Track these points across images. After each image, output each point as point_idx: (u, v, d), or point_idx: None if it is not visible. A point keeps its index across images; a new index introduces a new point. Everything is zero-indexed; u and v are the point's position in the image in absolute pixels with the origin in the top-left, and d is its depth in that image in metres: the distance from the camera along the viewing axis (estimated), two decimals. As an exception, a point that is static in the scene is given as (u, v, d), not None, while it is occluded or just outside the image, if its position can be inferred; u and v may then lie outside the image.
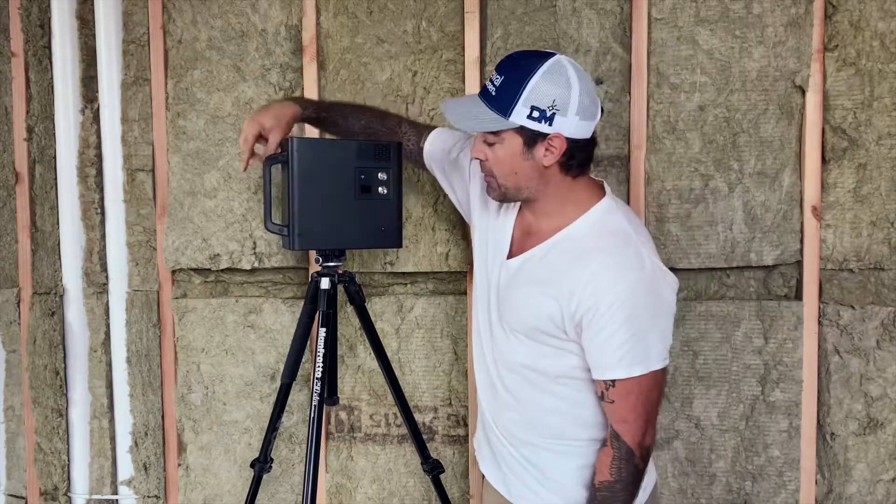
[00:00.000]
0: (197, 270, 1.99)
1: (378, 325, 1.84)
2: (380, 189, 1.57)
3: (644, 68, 1.71)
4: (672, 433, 1.77)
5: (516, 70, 1.19)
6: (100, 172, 2.01)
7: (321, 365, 1.54)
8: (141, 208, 2.00)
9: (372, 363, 1.87)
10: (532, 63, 1.18)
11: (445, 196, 1.83)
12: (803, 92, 1.67)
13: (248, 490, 1.68)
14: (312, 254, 1.86)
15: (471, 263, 1.60)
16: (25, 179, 2.06)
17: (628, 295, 1.15)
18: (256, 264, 1.92)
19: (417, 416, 1.84)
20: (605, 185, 1.31)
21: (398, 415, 1.84)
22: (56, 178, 2.04)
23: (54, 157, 2.04)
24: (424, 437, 1.77)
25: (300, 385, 1.90)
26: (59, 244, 2.05)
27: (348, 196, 1.54)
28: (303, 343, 1.63)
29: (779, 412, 1.71)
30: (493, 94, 1.20)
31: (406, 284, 1.90)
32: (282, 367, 1.69)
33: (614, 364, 1.17)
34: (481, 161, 1.27)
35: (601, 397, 1.22)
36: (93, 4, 1.95)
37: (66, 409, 2.08)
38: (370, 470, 1.92)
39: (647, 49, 1.72)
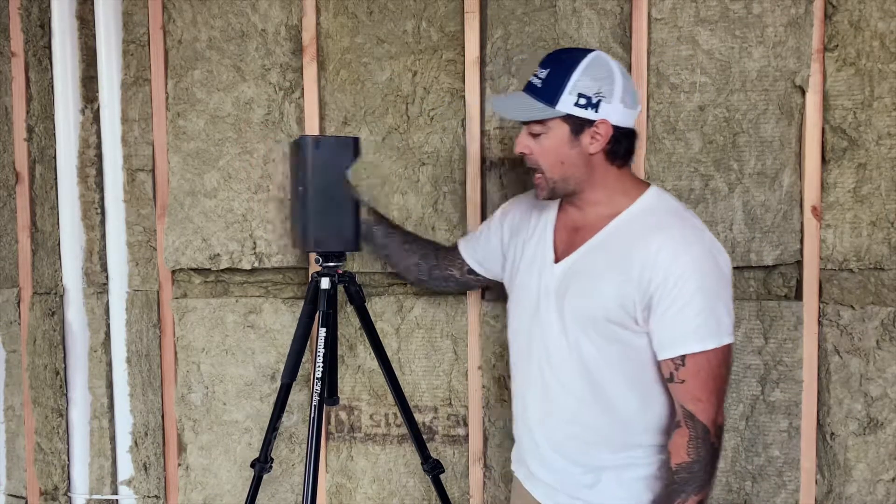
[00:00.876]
0: (197, 270, 1.99)
1: (378, 325, 1.84)
2: None
3: (644, 68, 1.71)
4: (672, 433, 1.77)
5: (561, 62, 1.25)
6: (100, 172, 2.01)
7: (321, 365, 1.54)
8: (141, 208, 2.00)
9: (372, 363, 1.87)
10: (576, 56, 1.26)
11: (445, 196, 1.83)
12: (803, 92, 1.67)
13: (248, 490, 1.68)
14: (312, 254, 1.86)
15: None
16: (25, 179, 2.06)
17: (695, 266, 1.19)
18: (256, 264, 1.92)
19: (417, 416, 1.84)
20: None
21: (398, 415, 1.84)
22: (56, 178, 2.04)
23: (54, 157, 2.04)
24: (424, 437, 1.77)
25: (300, 385, 1.90)
26: (59, 244, 2.05)
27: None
28: (303, 343, 1.63)
29: (779, 412, 1.71)
30: (539, 86, 1.26)
31: (406, 284, 1.90)
32: (282, 367, 1.69)
33: (688, 337, 1.19)
34: (526, 155, 1.31)
35: (670, 379, 1.22)
36: (93, 4, 1.95)
37: (66, 409, 2.08)
38: (370, 470, 1.93)
39: (647, 49, 1.72)
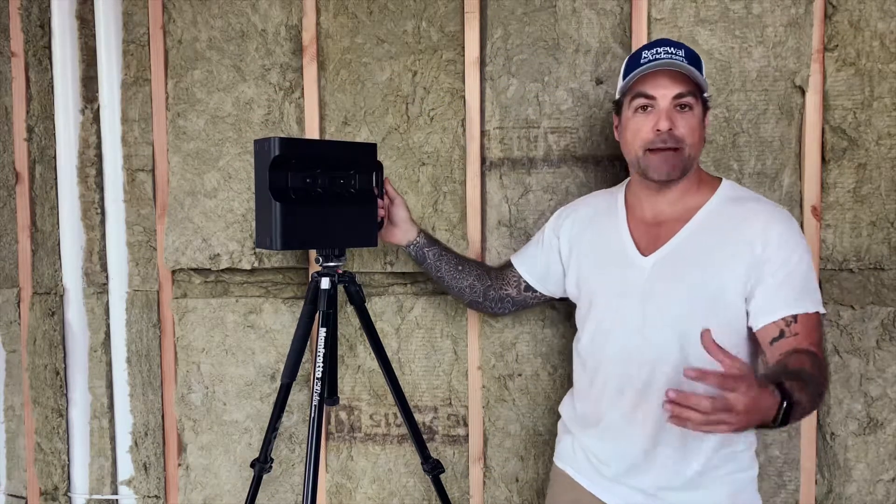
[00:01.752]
0: (197, 270, 1.99)
1: (378, 325, 1.84)
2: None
3: (644, 68, 1.71)
4: (672, 433, 1.77)
5: (684, 47, 1.31)
6: (100, 172, 2.01)
7: (321, 365, 1.54)
8: (141, 208, 2.00)
9: (372, 363, 1.87)
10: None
11: (445, 196, 1.83)
12: (803, 92, 1.67)
13: (248, 490, 1.68)
14: (312, 253, 1.86)
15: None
16: (25, 179, 2.07)
17: (797, 239, 1.26)
18: (256, 264, 1.92)
19: (417, 416, 1.84)
20: None
21: (398, 415, 1.84)
22: (56, 178, 2.04)
23: (54, 157, 2.04)
24: (424, 437, 1.77)
25: (300, 385, 1.90)
26: (59, 244, 2.05)
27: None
28: (303, 343, 1.63)
29: (779, 412, 1.71)
30: (684, 60, 1.29)
31: (406, 284, 1.90)
32: (282, 367, 1.69)
33: (800, 298, 1.22)
34: (666, 132, 1.27)
35: (779, 336, 1.22)
36: (93, 4, 1.95)
37: (66, 409, 2.08)
38: (370, 470, 1.93)
39: (647, 49, 1.72)
